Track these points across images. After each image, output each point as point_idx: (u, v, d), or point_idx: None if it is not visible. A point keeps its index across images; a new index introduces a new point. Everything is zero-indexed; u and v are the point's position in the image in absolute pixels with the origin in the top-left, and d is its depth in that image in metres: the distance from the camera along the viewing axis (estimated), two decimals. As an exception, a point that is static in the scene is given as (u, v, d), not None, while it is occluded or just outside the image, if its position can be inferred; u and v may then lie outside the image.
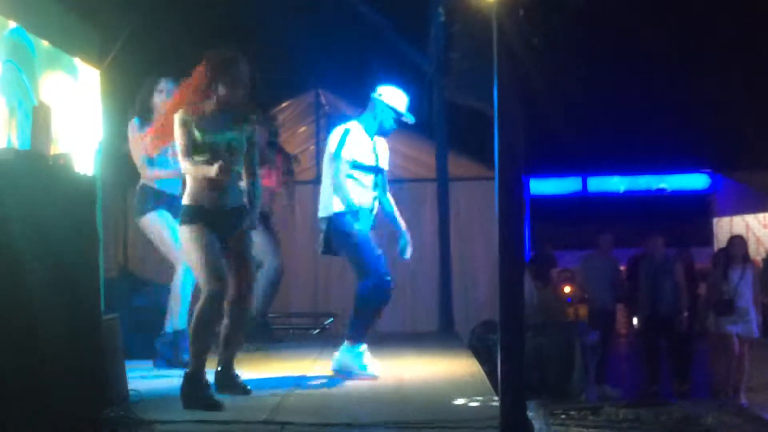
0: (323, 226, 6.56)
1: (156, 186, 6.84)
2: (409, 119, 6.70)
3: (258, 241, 8.18)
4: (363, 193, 6.54)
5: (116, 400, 5.06)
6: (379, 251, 6.46)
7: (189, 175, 5.53)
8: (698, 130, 17.93)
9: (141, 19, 8.79)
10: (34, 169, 4.42)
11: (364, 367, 6.33)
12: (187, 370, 5.40)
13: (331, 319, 10.88)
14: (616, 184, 18.40)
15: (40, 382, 4.19)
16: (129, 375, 5.67)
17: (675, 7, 17.15)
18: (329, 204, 6.50)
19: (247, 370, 6.33)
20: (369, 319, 6.45)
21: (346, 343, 6.41)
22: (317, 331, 10.29)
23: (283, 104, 11.74)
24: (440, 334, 9.47)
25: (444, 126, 10.09)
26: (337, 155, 6.50)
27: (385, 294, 6.45)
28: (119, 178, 10.50)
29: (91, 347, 4.70)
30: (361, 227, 6.43)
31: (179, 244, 6.03)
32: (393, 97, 6.63)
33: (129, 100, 7.20)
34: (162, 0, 9.71)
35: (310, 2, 13.18)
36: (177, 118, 5.52)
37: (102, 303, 5.58)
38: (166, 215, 6.76)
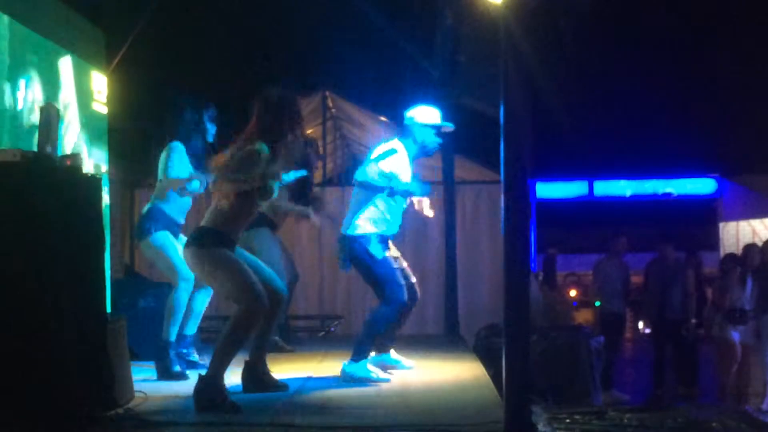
0: (343, 244, 6.48)
1: (166, 210, 6.59)
2: (449, 127, 6.74)
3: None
4: (392, 222, 6.51)
5: (122, 401, 5.07)
6: (399, 273, 6.45)
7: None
8: (705, 134, 17.91)
9: (147, 24, 8.80)
10: (40, 170, 4.43)
11: (370, 374, 6.28)
12: (207, 374, 5.22)
13: (337, 322, 10.88)
14: (623, 188, 18.36)
15: (45, 383, 4.20)
16: (134, 376, 5.69)
17: (682, 9, 17.14)
18: (353, 223, 6.44)
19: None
20: (375, 340, 6.48)
21: (349, 361, 6.32)
22: (322, 333, 10.29)
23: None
24: (445, 337, 9.47)
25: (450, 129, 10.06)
26: (380, 173, 6.37)
27: (398, 316, 6.52)
28: (126, 178, 10.55)
29: (96, 348, 4.71)
30: (381, 253, 6.39)
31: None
32: (426, 115, 6.66)
33: (135, 105, 7.12)
34: (168, 4, 9.72)
35: (317, 4, 13.18)
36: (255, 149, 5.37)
37: (108, 304, 5.60)
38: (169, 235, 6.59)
